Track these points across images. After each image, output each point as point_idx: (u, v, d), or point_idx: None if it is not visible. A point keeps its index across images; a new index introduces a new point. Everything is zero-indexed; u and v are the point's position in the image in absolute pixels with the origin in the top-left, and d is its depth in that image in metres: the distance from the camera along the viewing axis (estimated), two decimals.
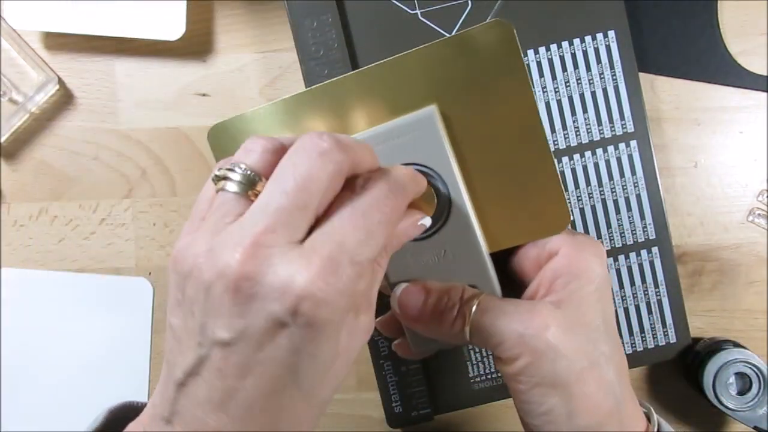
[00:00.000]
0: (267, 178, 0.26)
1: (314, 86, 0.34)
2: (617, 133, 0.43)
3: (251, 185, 0.26)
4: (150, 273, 0.47)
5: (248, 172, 0.26)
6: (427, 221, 0.32)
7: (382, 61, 0.34)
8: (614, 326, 0.33)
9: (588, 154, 0.43)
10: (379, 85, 0.34)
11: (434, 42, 0.33)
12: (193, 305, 0.26)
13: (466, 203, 0.34)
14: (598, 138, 0.43)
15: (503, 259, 0.36)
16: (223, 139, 0.35)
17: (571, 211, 0.44)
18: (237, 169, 0.26)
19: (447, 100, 0.34)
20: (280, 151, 0.27)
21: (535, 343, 0.30)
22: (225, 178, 0.27)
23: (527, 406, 0.32)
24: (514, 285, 0.36)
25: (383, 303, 0.35)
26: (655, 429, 0.33)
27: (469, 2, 0.43)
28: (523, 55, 0.34)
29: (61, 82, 0.46)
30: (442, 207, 0.34)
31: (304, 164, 0.25)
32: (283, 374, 0.25)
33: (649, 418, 0.33)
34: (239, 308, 0.25)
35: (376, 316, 0.32)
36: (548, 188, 0.34)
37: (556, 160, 0.43)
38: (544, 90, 0.43)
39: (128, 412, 0.31)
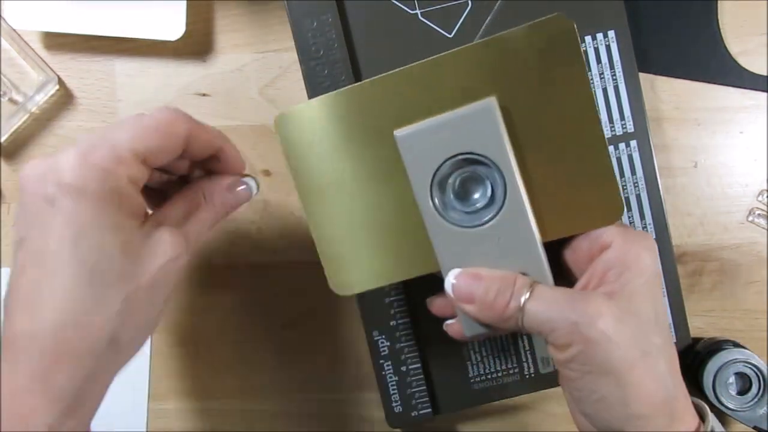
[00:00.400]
0: None
1: (377, 77, 0.35)
2: (617, 133, 0.43)
3: None
4: None
5: None
6: (253, 184, 0.37)
7: (444, 54, 0.34)
8: (666, 320, 0.33)
9: None
10: (440, 77, 0.35)
11: (496, 36, 0.34)
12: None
13: (521, 193, 0.34)
14: None
15: (555, 251, 0.36)
16: (290, 128, 0.36)
17: None
18: None
19: (506, 92, 0.34)
20: None
21: (587, 331, 0.31)
22: None
23: (579, 393, 0.33)
24: (564, 277, 0.36)
25: (437, 285, 0.36)
26: (709, 429, 0.32)
27: (470, 2, 0.43)
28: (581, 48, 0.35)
29: (61, 82, 0.46)
30: (498, 196, 0.34)
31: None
32: None
33: (702, 418, 0.33)
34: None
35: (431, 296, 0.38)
36: (602, 178, 0.34)
37: None
38: None
39: None
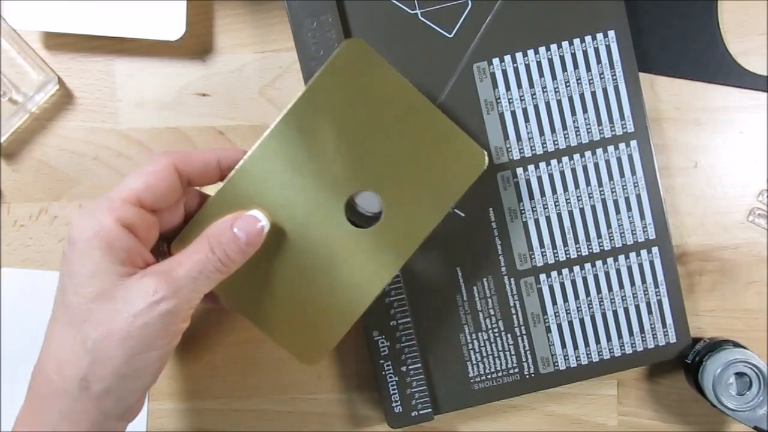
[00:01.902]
0: None
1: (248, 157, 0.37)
2: (617, 133, 0.43)
3: None
4: None
5: None
6: (266, 223, 0.36)
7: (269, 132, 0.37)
8: None
9: (588, 154, 0.43)
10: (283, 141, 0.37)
11: (315, 76, 0.37)
12: None
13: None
14: (598, 138, 0.43)
15: None
16: (354, 57, 0.37)
17: (571, 212, 0.44)
18: None
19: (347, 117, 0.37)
20: None
21: None
22: None
23: None
24: None
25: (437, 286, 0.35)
26: None
27: (469, 2, 0.43)
28: (391, 66, 0.38)
29: (61, 82, 0.46)
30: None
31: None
32: None
33: None
34: None
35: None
36: (455, 139, 0.38)
37: (555, 160, 0.43)
38: (544, 90, 0.43)
39: None
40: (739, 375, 0.42)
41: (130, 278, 0.33)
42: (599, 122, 0.43)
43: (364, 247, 0.38)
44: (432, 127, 0.38)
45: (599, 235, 0.44)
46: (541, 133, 0.43)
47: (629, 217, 0.44)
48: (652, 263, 0.44)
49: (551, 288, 0.44)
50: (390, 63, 0.42)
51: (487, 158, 0.39)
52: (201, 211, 0.37)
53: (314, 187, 0.37)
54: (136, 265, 0.33)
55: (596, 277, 0.44)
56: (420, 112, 0.38)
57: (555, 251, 0.44)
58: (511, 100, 0.43)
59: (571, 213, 0.44)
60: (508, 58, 0.43)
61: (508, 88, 0.43)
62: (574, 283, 0.44)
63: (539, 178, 0.43)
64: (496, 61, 0.43)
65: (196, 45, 0.46)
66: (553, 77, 0.43)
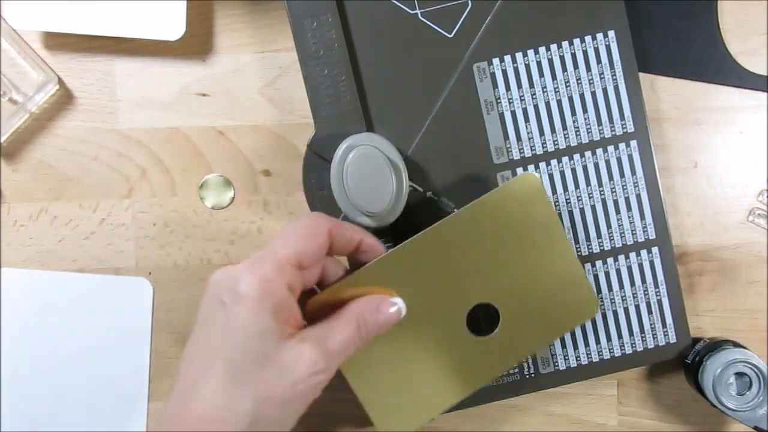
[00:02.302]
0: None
1: (394, 251, 0.39)
2: (617, 133, 0.43)
3: None
4: (150, 273, 0.47)
5: None
6: (402, 307, 0.38)
7: (441, 222, 0.39)
8: None
9: (588, 154, 0.43)
10: (443, 244, 0.40)
11: (475, 202, 0.39)
12: None
13: None
14: (598, 138, 0.43)
15: None
16: (524, 190, 0.40)
17: (571, 212, 0.44)
18: None
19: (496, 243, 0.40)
20: None
21: None
22: None
23: None
24: None
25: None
26: None
27: (470, 2, 0.43)
28: (552, 204, 0.42)
29: (61, 82, 0.46)
30: None
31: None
32: None
33: None
34: None
35: None
36: (579, 284, 0.41)
37: (555, 160, 0.43)
38: (544, 90, 0.43)
39: None
40: (739, 375, 0.42)
41: (290, 341, 0.34)
42: (599, 122, 0.43)
43: (473, 352, 0.41)
44: (562, 265, 0.41)
45: (599, 235, 0.44)
46: (541, 133, 0.43)
47: (629, 217, 0.44)
48: (652, 263, 0.44)
49: None
50: (390, 63, 0.43)
51: (598, 308, 0.42)
52: (345, 281, 0.38)
53: (443, 290, 0.40)
54: (293, 326, 0.35)
55: (596, 278, 0.44)
56: (557, 249, 0.40)
57: None
58: (511, 100, 0.43)
59: (571, 213, 0.44)
60: (508, 58, 0.43)
61: (508, 88, 0.43)
62: None
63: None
64: (496, 61, 0.43)
65: (196, 45, 0.46)
66: (553, 77, 0.43)
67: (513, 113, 0.43)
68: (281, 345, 0.33)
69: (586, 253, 0.44)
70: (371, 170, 0.40)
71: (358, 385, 0.40)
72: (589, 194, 0.44)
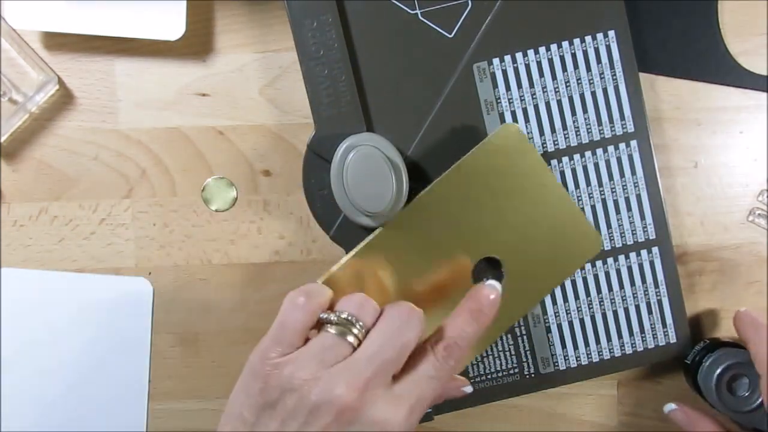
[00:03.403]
0: (367, 332, 0.34)
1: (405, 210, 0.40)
2: (617, 133, 0.43)
3: (352, 333, 0.33)
4: (150, 273, 0.47)
5: (362, 328, 0.34)
6: (469, 389, 0.39)
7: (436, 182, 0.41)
8: None
9: (588, 154, 0.43)
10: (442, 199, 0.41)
11: (460, 161, 0.40)
12: (291, 417, 0.32)
13: None
14: (598, 138, 0.43)
15: None
16: (506, 141, 0.41)
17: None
18: (357, 325, 0.33)
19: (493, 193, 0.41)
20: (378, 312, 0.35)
21: None
22: (340, 324, 0.34)
23: None
24: None
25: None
26: None
27: (469, 2, 0.43)
28: (536, 149, 0.43)
29: (61, 82, 0.46)
30: None
31: (403, 332, 0.33)
32: None
33: None
34: (340, 430, 0.31)
35: None
36: (578, 223, 0.42)
37: (555, 160, 0.43)
38: (544, 90, 0.43)
39: None
40: (739, 376, 0.42)
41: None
42: (599, 122, 0.43)
43: None
44: (558, 208, 0.42)
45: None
46: (541, 133, 0.43)
47: (629, 217, 0.44)
48: (652, 263, 0.44)
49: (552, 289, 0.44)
50: (390, 63, 0.43)
51: (602, 241, 0.43)
52: (356, 253, 0.39)
53: (448, 248, 0.41)
54: None
55: (596, 277, 0.44)
56: (550, 194, 0.42)
57: None
58: (511, 100, 0.43)
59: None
60: (508, 58, 0.43)
61: (508, 88, 0.43)
62: (574, 283, 0.44)
63: None
64: (496, 61, 0.43)
65: (196, 45, 0.46)
66: (553, 77, 0.43)
67: (513, 113, 0.43)
68: None
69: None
70: (371, 170, 0.40)
71: None
72: (589, 194, 0.44)
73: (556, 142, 0.43)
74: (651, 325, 0.44)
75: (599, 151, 0.43)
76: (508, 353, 0.44)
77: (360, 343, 0.33)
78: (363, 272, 0.39)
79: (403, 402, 0.33)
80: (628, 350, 0.44)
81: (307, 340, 0.34)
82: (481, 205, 0.41)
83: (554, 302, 0.44)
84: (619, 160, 0.43)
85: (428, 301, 0.40)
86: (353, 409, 0.31)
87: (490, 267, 0.42)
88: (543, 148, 0.43)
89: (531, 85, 0.43)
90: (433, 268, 0.41)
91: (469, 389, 0.39)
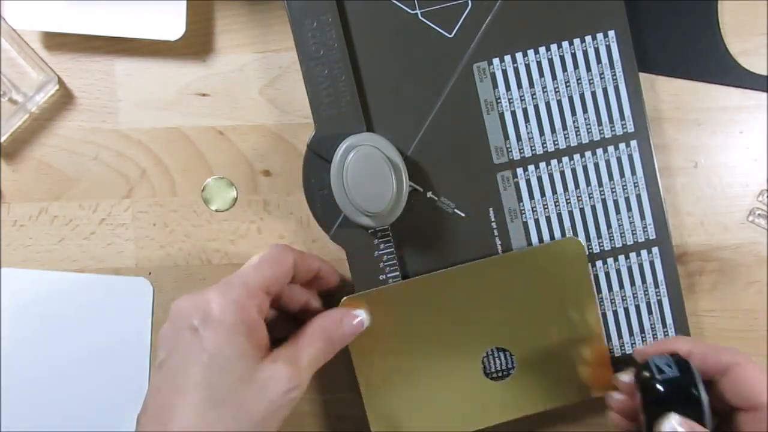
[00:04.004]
0: None
1: (422, 277, 0.42)
2: (617, 133, 0.43)
3: None
4: (150, 273, 0.47)
5: None
6: (360, 320, 0.40)
7: (479, 261, 0.42)
8: None
9: (588, 154, 0.43)
10: (475, 280, 0.42)
11: (516, 252, 0.43)
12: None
13: None
14: (598, 138, 0.43)
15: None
16: (565, 251, 0.43)
17: (571, 212, 0.44)
18: None
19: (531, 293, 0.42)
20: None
21: None
22: None
23: None
24: None
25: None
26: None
27: (470, 2, 0.43)
28: (590, 270, 0.44)
29: (61, 82, 0.46)
30: None
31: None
32: None
33: None
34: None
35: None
36: (599, 356, 0.43)
37: (555, 160, 0.43)
38: (545, 90, 0.43)
39: None
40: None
41: (263, 362, 0.35)
42: (599, 122, 0.43)
43: (484, 394, 0.43)
44: (582, 328, 0.43)
45: (599, 235, 0.44)
46: (541, 133, 0.43)
47: (629, 217, 0.44)
48: (652, 263, 0.44)
49: None
50: (390, 63, 0.43)
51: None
52: (376, 290, 0.42)
53: (464, 324, 0.42)
54: (264, 348, 0.36)
55: (596, 277, 0.44)
56: (583, 311, 0.43)
57: None
58: (511, 100, 0.43)
59: (571, 213, 0.44)
60: (508, 58, 0.43)
61: (508, 88, 0.43)
62: None
63: (539, 178, 0.43)
64: (496, 61, 0.43)
65: (196, 45, 0.46)
66: (553, 77, 0.43)
67: (513, 113, 0.43)
68: (256, 366, 0.34)
69: (586, 253, 0.44)
70: (371, 170, 0.40)
71: (368, 397, 0.42)
72: (589, 194, 0.44)
73: (556, 142, 0.43)
74: (651, 325, 0.44)
75: (599, 151, 0.43)
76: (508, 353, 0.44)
77: None
78: (394, 304, 0.41)
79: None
80: (629, 350, 0.44)
81: None
82: (514, 297, 0.42)
83: None
84: (619, 160, 0.43)
85: (434, 366, 0.42)
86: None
87: (505, 361, 0.43)
88: (543, 148, 0.43)
89: (531, 85, 0.43)
90: (448, 336, 0.42)
91: (361, 320, 0.40)
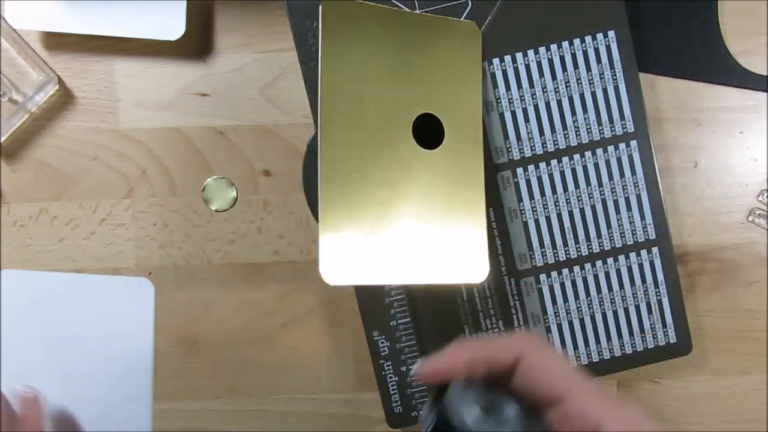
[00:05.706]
0: None
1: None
2: (617, 133, 0.43)
3: None
4: (150, 273, 0.47)
5: None
6: None
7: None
8: None
9: (588, 154, 0.43)
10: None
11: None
12: None
13: None
14: (598, 138, 0.43)
15: None
16: (336, 17, 0.39)
17: (571, 212, 0.44)
18: None
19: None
20: None
21: None
22: None
23: None
24: None
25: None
26: None
27: (470, 2, 0.43)
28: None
29: (61, 82, 0.46)
30: None
31: None
32: None
33: None
34: None
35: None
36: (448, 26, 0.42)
37: (555, 160, 0.43)
38: (545, 90, 0.43)
39: None
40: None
41: None
42: (599, 122, 0.43)
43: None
44: (426, 25, 0.42)
45: (599, 235, 0.44)
46: (541, 133, 0.43)
47: (629, 217, 0.44)
48: (652, 263, 0.44)
49: (551, 288, 0.44)
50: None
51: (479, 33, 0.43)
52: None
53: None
54: None
55: (596, 277, 0.44)
56: (413, 24, 0.41)
57: (555, 251, 0.44)
58: (511, 100, 0.43)
59: (571, 213, 0.44)
60: (508, 58, 0.43)
61: (508, 88, 0.43)
62: (574, 283, 0.44)
63: (539, 178, 0.43)
64: (496, 61, 0.43)
65: (196, 45, 0.46)
66: (553, 77, 0.43)
67: (513, 113, 0.43)
68: None
69: (586, 253, 0.44)
70: None
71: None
72: (589, 194, 0.44)
73: (556, 142, 0.43)
74: (651, 325, 0.44)
75: (599, 151, 0.43)
76: None
77: None
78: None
79: None
80: (628, 350, 0.44)
81: None
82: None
83: (554, 302, 0.44)
84: (619, 160, 0.43)
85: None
86: None
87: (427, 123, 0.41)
88: (543, 148, 0.43)
89: (531, 85, 0.43)
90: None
91: None
